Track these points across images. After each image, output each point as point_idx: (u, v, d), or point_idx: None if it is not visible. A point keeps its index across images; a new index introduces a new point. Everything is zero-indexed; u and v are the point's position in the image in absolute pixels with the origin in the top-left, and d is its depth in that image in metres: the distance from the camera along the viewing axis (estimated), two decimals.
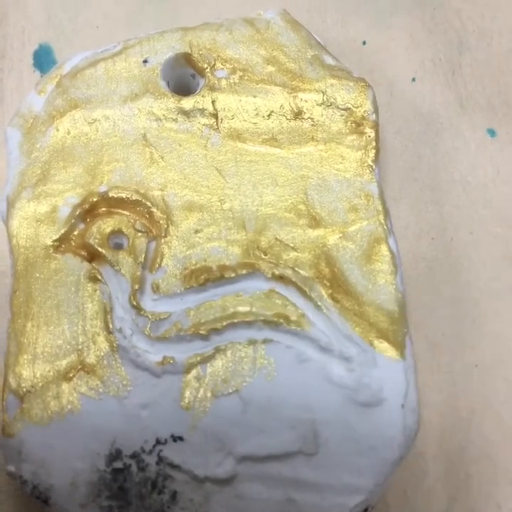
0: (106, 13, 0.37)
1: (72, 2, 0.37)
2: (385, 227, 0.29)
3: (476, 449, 0.30)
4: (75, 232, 0.29)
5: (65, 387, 0.27)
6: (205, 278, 0.28)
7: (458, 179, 0.34)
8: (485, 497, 0.30)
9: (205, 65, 0.31)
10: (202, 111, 0.30)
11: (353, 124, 0.30)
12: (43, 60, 0.36)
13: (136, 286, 0.28)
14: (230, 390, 0.27)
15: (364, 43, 0.36)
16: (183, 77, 0.32)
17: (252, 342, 0.27)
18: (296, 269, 0.28)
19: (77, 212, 0.29)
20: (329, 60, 0.31)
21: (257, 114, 0.30)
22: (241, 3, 0.37)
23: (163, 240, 0.28)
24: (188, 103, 0.30)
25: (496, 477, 0.30)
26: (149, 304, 0.28)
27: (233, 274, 0.28)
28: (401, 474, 0.29)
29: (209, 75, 0.31)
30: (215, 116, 0.30)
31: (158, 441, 0.26)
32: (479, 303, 0.32)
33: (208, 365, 0.27)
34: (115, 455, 0.26)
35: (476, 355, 0.31)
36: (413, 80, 0.36)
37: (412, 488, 0.30)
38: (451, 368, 0.31)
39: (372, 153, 0.30)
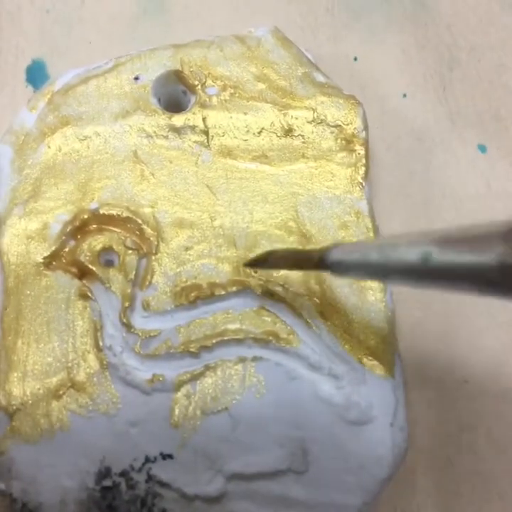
0: (99, 29, 0.37)
1: (66, 17, 0.38)
2: None
3: (466, 465, 0.30)
4: (66, 249, 0.29)
5: (54, 405, 0.27)
6: (195, 295, 0.28)
7: (449, 195, 0.34)
8: None
9: (196, 82, 0.31)
10: (193, 128, 0.31)
11: (343, 141, 0.30)
12: (36, 75, 0.36)
13: (127, 304, 0.28)
14: (220, 408, 0.27)
15: (356, 59, 0.36)
16: (174, 94, 0.32)
17: (242, 359, 0.27)
18: (286, 286, 0.28)
19: (68, 230, 0.29)
20: (319, 78, 0.31)
21: (247, 131, 0.31)
22: (233, 19, 0.37)
23: (153, 257, 0.29)
24: (179, 120, 0.31)
25: (486, 493, 0.30)
26: (139, 321, 0.28)
27: (223, 292, 0.28)
28: (391, 491, 0.29)
29: (200, 92, 0.31)
30: (206, 133, 0.30)
31: (147, 459, 0.26)
32: (469, 318, 0.32)
33: (198, 382, 0.27)
34: (104, 473, 0.26)
35: (466, 371, 0.31)
36: (404, 95, 0.36)
37: (402, 505, 0.30)
38: (441, 384, 0.31)
39: (362, 171, 0.30)
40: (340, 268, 0.23)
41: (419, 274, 0.19)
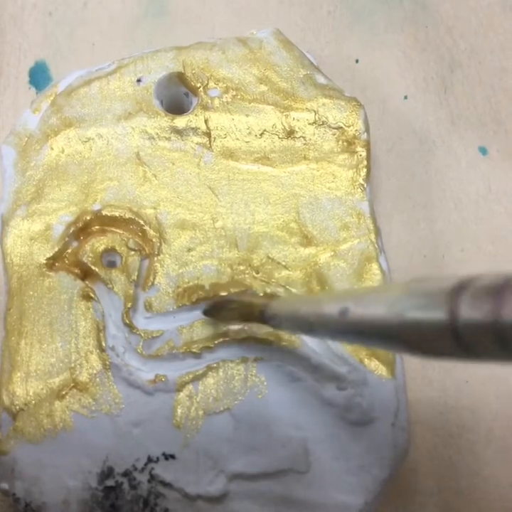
0: (102, 31, 0.37)
1: (69, 19, 0.38)
2: (376, 245, 0.29)
3: (466, 465, 0.30)
4: (69, 250, 0.29)
5: (57, 405, 0.27)
6: (197, 296, 0.28)
7: (450, 196, 0.34)
8: None
9: (198, 84, 0.31)
10: (195, 130, 0.31)
11: (345, 143, 0.31)
12: (39, 77, 0.36)
13: (129, 304, 0.28)
14: (222, 408, 0.27)
15: (357, 61, 0.37)
16: (177, 96, 0.32)
17: (244, 360, 0.27)
18: (287, 287, 0.28)
19: (71, 231, 0.29)
20: (321, 80, 0.32)
21: (249, 133, 0.31)
22: (235, 21, 0.37)
23: (156, 258, 0.29)
24: (181, 122, 0.31)
25: (486, 493, 0.30)
26: (142, 321, 0.28)
27: (225, 293, 0.28)
28: (392, 490, 0.29)
29: (202, 94, 0.31)
30: (208, 135, 0.31)
31: (150, 459, 0.26)
32: None
33: (200, 383, 0.27)
34: (107, 473, 0.26)
35: (467, 371, 0.32)
36: (405, 97, 0.36)
37: (404, 505, 0.30)
38: (442, 384, 0.31)
39: (363, 172, 0.30)
40: (276, 321, 0.24)
41: (339, 326, 0.20)
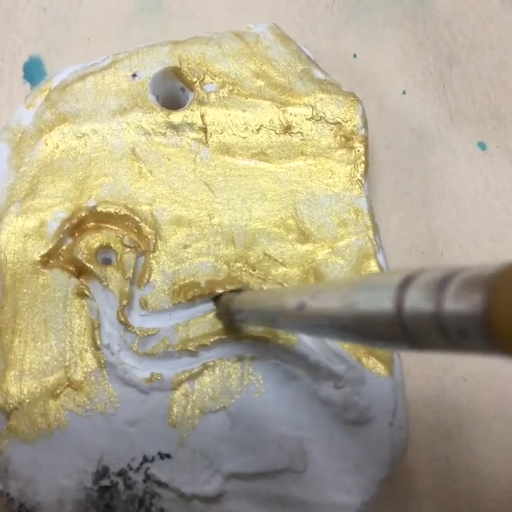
0: (97, 26, 0.37)
1: (63, 14, 0.37)
2: (374, 242, 0.29)
3: (464, 465, 0.30)
4: (63, 247, 0.29)
5: (52, 404, 0.27)
6: (193, 294, 0.28)
7: (448, 193, 0.34)
8: None
9: (195, 79, 0.31)
10: (191, 125, 0.30)
11: (343, 139, 0.30)
12: (34, 72, 0.36)
13: (125, 302, 0.28)
14: (218, 407, 0.27)
15: (355, 55, 0.36)
16: (173, 91, 0.32)
17: (240, 358, 0.27)
18: (284, 284, 0.28)
19: (66, 227, 0.29)
20: (319, 74, 0.31)
21: (246, 128, 0.30)
22: (232, 16, 0.37)
23: (151, 255, 0.28)
24: (177, 117, 0.30)
25: (484, 493, 0.30)
26: (137, 319, 0.28)
27: (222, 290, 0.28)
28: (389, 490, 0.29)
29: (198, 89, 0.31)
30: (204, 130, 0.30)
31: (145, 459, 0.26)
32: None
33: (196, 381, 0.27)
34: (102, 472, 0.26)
35: (465, 370, 0.31)
36: (404, 93, 0.36)
37: (401, 504, 0.30)
38: (440, 383, 0.31)
39: (361, 168, 0.30)
40: (241, 315, 0.25)
41: (297, 320, 0.21)
